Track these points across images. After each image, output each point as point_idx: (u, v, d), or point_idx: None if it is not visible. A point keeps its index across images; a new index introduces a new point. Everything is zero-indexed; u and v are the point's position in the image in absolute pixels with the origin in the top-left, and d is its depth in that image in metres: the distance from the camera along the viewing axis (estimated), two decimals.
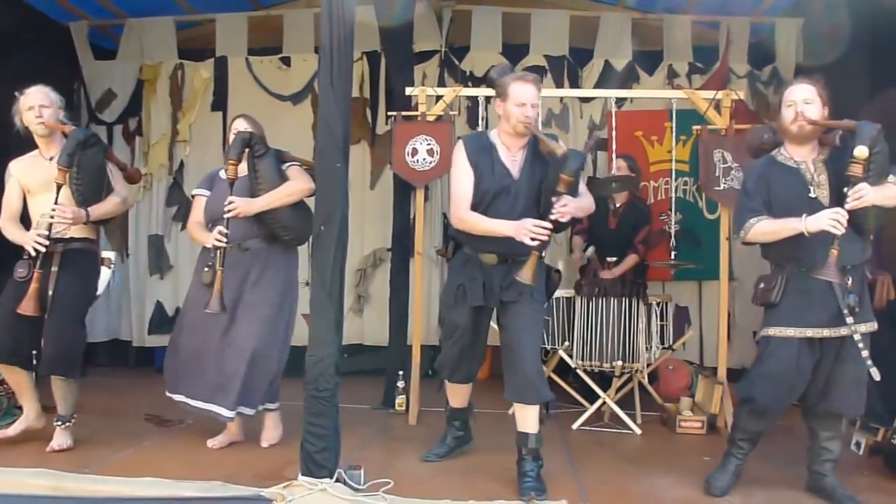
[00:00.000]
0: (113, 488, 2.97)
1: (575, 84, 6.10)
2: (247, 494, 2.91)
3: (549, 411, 3.38)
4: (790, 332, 3.12)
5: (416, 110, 4.74)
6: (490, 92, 5.16)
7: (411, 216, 5.15)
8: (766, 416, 3.23)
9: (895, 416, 3.79)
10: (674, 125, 4.87)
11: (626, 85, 5.94)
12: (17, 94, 3.73)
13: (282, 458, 3.60)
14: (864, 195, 2.92)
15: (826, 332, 3.09)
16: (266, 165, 3.68)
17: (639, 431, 4.46)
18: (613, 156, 5.03)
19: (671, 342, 4.75)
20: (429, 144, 4.61)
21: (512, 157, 3.36)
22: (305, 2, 6.30)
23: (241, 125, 3.80)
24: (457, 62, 6.20)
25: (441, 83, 5.97)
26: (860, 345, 3.02)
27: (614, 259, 4.98)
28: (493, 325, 3.57)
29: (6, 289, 3.66)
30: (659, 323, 4.64)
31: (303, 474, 2.91)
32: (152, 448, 3.82)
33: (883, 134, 2.97)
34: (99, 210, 3.73)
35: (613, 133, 5.06)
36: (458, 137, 3.70)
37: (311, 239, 3.50)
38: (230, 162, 3.59)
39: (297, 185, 3.71)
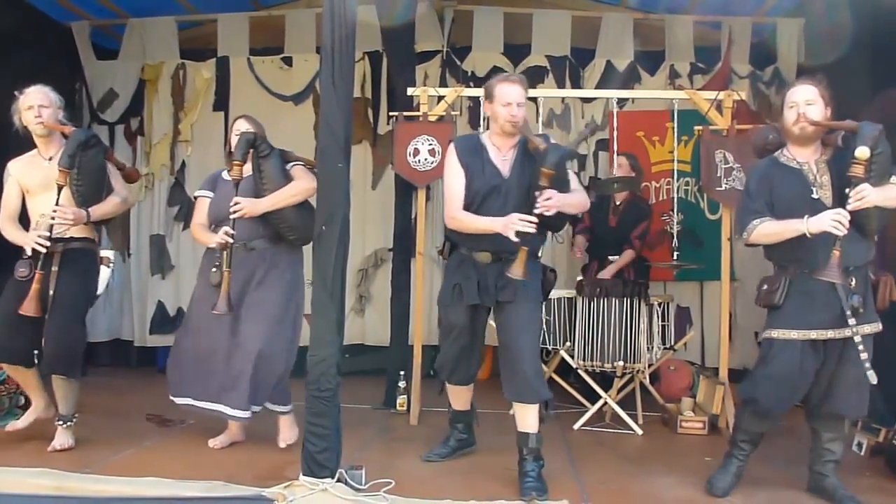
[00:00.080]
0: (115, 488, 2.97)
1: (576, 84, 6.10)
2: (248, 494, 2.91)
3: (548, 410, 3.38)
4: (794, 334, 3.12)
5: (418, 110, 4.75)
6: None
7: (413, 216, 5.15)
8: (768, 417, 3.23)
9: None
10: (675, 125, 4.88)
11: (627, 85, 5.93)
12: (16, 93, 3.73)
13: (283, 458, 3.62)
14: (865, 196, 2.92)
15: (830, 334, 3.08)
16: (271, 166, 3.68)
17: (640, 432, 4.46)
18: (615, 156, 5.02)
19: (672, 342, 4.74)
20: (430, 145, 4.61)
21: (502, 157, 3.40)
22: (307, 2, 6.29)
23: (242, 126, 3.80)
24: (458, 62, 6.20)
25: (443, 83, 5.96)
26: (860, 347, 3.01)
27: (615, 257, 4.99)
28: (492, 323, 3.57)
29: (6, 289, 3.67)
30: (660, 323, 4.63)
31: (304, 474, 2.91)
32: (153, 448, 3.83)
33: (885, 134, 2.97)
34: (99, 210, 3.73)
35: (615, 133, 5.06)
36: (450, 140, 3.72)
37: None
38: (235, 163, 3.60)
39: (301, 185, 3.70)
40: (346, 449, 3.05)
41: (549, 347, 4.68)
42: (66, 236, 3.68)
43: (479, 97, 4.78)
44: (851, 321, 3.03)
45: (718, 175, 4.50)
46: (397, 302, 5.12)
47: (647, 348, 4.51)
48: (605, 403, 4.61)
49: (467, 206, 3.36)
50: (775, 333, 3.17)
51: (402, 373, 4.81)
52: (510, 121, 3.33)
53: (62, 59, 6.10)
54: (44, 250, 3.56)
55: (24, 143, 3.79)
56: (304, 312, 3.88)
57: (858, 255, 3.12)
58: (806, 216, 3.03)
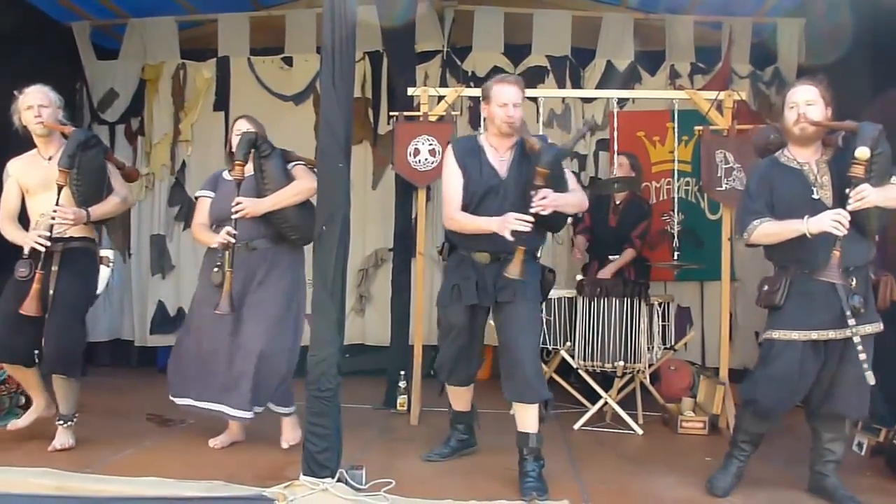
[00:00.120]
0: (116, 488, 2.97)
1: (577, 84, 6.10)
2: (249, 494, 2.91)
3: (548, 410, 3.39)
4: (795, 335, 3.12)
5: (418, 110, 4.75)
6: None
7: (413, 216, 5.15)
8: (768, 417, 3.24)
9: None
10: (676, 126, 4.88)
11: (628, 85, 5.93)
12: (15, 93, 3.73)
13: (283, 457, 3.62)
14: (865, 196, 2.92)
15: (831, 334, 3.08)
16: (272, 165, 3.68)
17: (640, 432, 4.46)
18: (615, 156, 5.02)
19: (673, 342, 4.74)
20: (431, 145, 4.61)
21: (500, 158, 3.43)
22: (307, 2, 6.29)
23: (243, 126, 3.79)
24: (459, 62, 6.20)
25: (443, 83, 5.96)
26: (859, 347, 3.02)
27: (616, 257, 4.99)
28: (493, 323, 3.57)
29: (6, 289, 3.67)
30: (661, 323, 4.63)
31: (304, 474, 2.91)
32: (154, 448, 3.83)
33: (885, 135, 2.97)
34: (99, 210, 3.74)
35: (615, 133, 5.06)
36: (449, 141, 3.76)
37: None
38: (237, 163, 3.59)
39: (303, 185, 3.70)
40: (346, 449, 3.05)
41: (550, 347, 4.68)
42: (66, 236, 3.68)
43: (479, 97, 4.79)
44: (851, 321, 3.02)
45: (719, 175, 4.50)
46: (398, 302, 5.12)
47: (648, 348, 4.51)
48: (606, 403, 4.61)
49: (465, 207, 3.38)
50: (776, 334, 3.17)
51: (402, 373, 4.81)
52: (506, 121, 3.35)
53: (63, 58, 6.11)
54: (43, 249, 3.56)
55: (23, 142, 3.79)
56: (305, 312, 3.89)
57: (859, 256, 3.12)
58: (806, 216, 3.03)
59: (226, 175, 3.89)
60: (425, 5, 5.77)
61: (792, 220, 3.08)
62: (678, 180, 5.12)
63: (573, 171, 6.03)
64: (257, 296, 3.68)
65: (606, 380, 4.76)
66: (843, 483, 3.20)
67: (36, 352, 3.64)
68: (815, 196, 3.13)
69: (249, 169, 3.69)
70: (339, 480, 2.91)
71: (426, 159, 4.60)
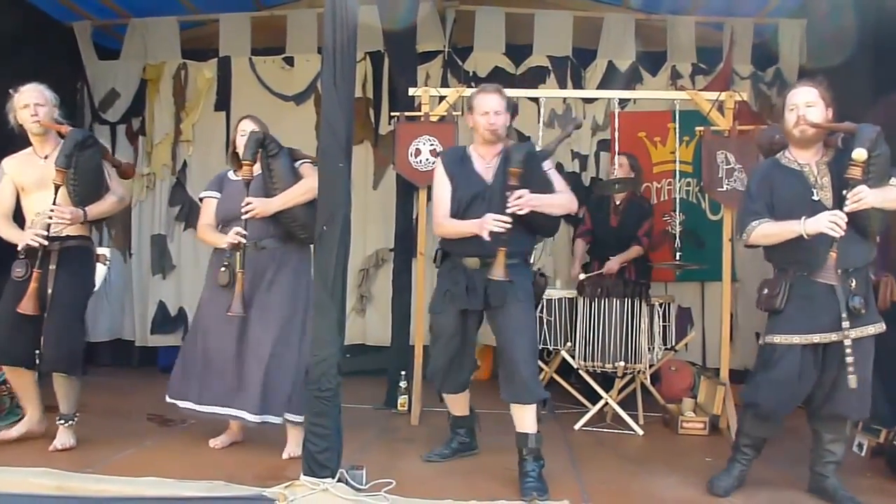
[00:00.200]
0: (117, 488, 2.97)
1: (578, 85, 6.10)
2: (249, 494, 2.91)
3: (545, 410, 3.40)
4: (796, 339, 3.12)
5: (420, 111, 4.75)
6: None
7: (414, 216, 5.15)
8: (770, 420, 3.24)
9: None
10: (677, 126, 4.88)
11: (629, 86, 5.93)
12: (11, 91, 3.72)
13: (284, 458, 3.61)
14: (862, 198, 2.92)
15: (833, 337, 3.08)
16: (280, 165, 3.66)
17: (641, 432, 4.46)
18: (616, 157, 5.02)
19: (673, 343, 4.74)
20: (432, 145, 4.62)
21: (486, 165, 3.50)
22: (308, 2, 6.29)
23: (248, 126, 3.77)
24: (460, 62, 6.19)
25: (444, 83, 5.96)
26: (847, 350, 3.02)
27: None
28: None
29: (5, 291, 3.67)
30: (661, 324, 4.64)
31: (305, 474, 2.91)
32: (154, 448, 3.83)
33: (883, 136, 2.97)
34: (96, 209, 3.73)
35: (616, 134, 5.06)
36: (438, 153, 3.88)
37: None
38: (245, 162, 3.57)
39: (311, 183, 3.65)
40: (346, 449, 3.04)
41: (550, 348, 4.69)
42: (63, 235, 3.67)
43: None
44: (845, 324, 3.03)
45: (720, 176, 4.50)
46: (398, 302, 5.12)
47: (648, 349, 4.51)
48: (606, 404, 4.61)
49: (454, 214, 3.46)
50: (777, 339, 3.17)
51: (403, 373, 4.81)
52: (488, 129, 3.44)
53: (64, 58, 6.11)
54: (38, 246, 3.55)
55: (18, 140, 3.79)
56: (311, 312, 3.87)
57: (859, 257, 3.12)
58: (803, 218, 3.03)
59: (231, 175, 3.88)
60: (427, 6, 5.77)
61: (790, 221, 3.09)
62: (679, 181, 5.13)
63: (574, 172, 6.08)
64: (267, 297, 3.65)
65: (607, 380, 4.76)
66: (843, 484, 3.21)
67: (37, 352, 3.63)
68: (815, 197, 3.12)
69: (257, 168, 3.67)
70: (339, 480, 2.90)
71: (427, 159, 4.60)
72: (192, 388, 3.71)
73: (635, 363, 4.48)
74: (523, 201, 3.20)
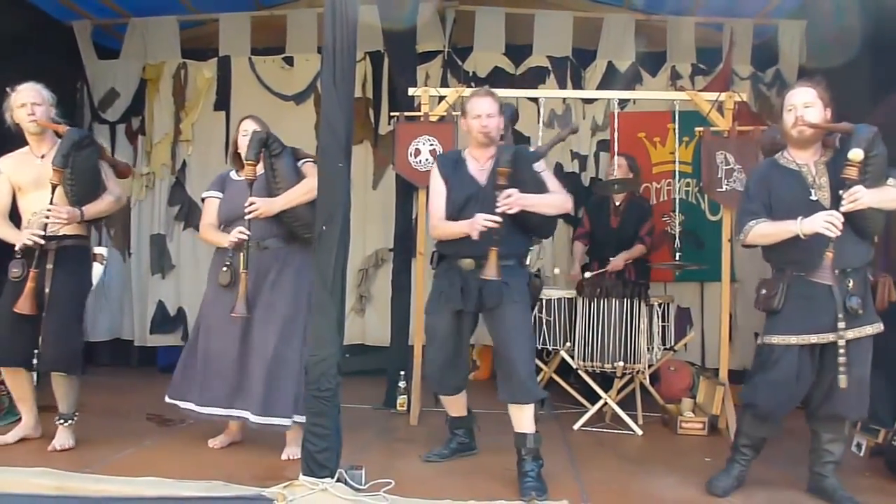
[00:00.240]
0: (115, 488, 2.97)
1: (578, 85, 6.11)
2: (248, 494, 2.91)
3: (543, 410, 3.42)
4: (793, 339, 3.13)
5: (419, 111, 4.75)
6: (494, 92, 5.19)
7: (413, 216, 5.15)
8: (768, 420, 3.25)
9: None
10: (676, 126, 4.88)
11: (629, 86, 5.93)
12: (8, 90, 3.72)
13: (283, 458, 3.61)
14: (858, 198, 2.93)
15: (831, 337, 3.08)
16: (283, 164, 3.65)
17: (640, 432, 4.46)
18: (615, 157, 5.02)
19: (673, 343, 4.75)
20: (431, 145, 4.61)
21: (480, 168, 3.54)
22: (308, 1, 6.29)
23: (250, 126, 3.76)
24: (460, 63, 6.20)
25: (444, 84, 5.96)
26: (841, 351, 3.03)
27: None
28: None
29: (4, 292, 3.66)
30: (660, 324, 4.64)
31: (304, 474, 2.91)
32: (153, 447, 3.83)
33: (881, 137, 2.97)
34: (93, 209, 3.73)
35: (616, 134, 5.06)
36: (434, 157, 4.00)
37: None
38: (248, 162, 3.55)
39: (314, 182, 3.64)
40: (346, 449, 3.04)
41: (550, 348, 4.69)
42: (60, 234, 3.66)
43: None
44: (840, 325, 3.04)
45: (719, 176, 4.50)
46: (398, 302, 5.12)
47: (648, 349, 4.51)
48: (606, 404, 4.62)
49: (450, 216, 3.50)
50: (775, 339, 3.18)
51: (402, 373, 4.81)
52: (481, 131, 3.48)
53: (64, 58, 6.11)
54: (32, 243, 3.55)
55: (14, 139, 3.79)
56: None
57: (856, 257, 3.12)
58: (800, 218, 3.04)
59: (233, 175, 3.87)
60: (427, 6, 5.77)
61: (786, 221, 3.09)
62: (679, 181, 5.13)
63: (573, 172, 6.08)
64: (270, 297, 3.64)
65: (606, 380, 4.76)
66: (842, 484, 3.21)
67: (35, 352, 3.63)
68: (813, 197, 3.13)
69: (260, 168, 3.65)
70: (338, 480, 2.90)
71: (427, 160, 4.60)
72: (193, 389, 3.70)
73: (634, 363, 4.48)
74: (512, 200, 3.24)
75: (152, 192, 6.38)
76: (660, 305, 4.64)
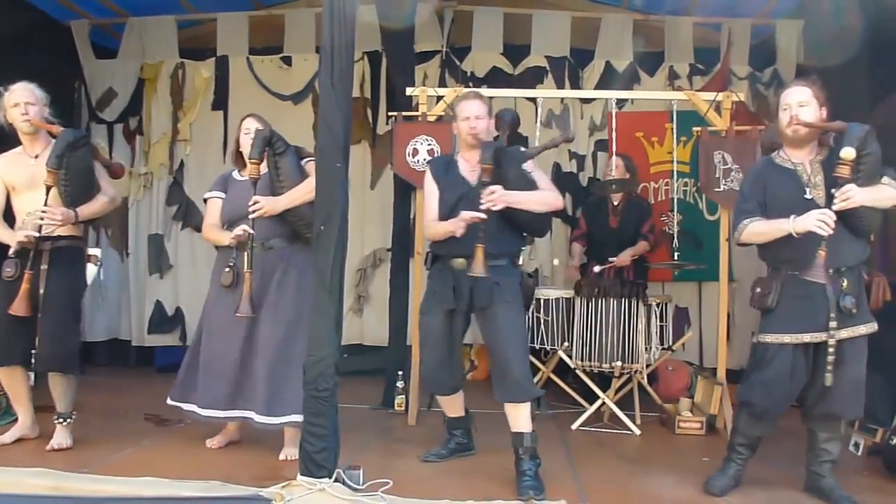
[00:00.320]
0: (112, 488, 2.97)
1: (576, 85, 6.11)
2: (246, 494, 2.91)
3: (539, 409, 3.43)
4: (787, 338, 3.14)
5: (417, 110, 4.74)
6: (492, 92, 5.17)
7: (411, 216, 5.15)
8: (763, 419, 3.25)
9: (894, 418, 3.79)
10: (674, 126, 4.88)
11: (627, 86, 5.93)
12: (1, 89, 3.71)
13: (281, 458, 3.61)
14: (850, 196, 2.93)
15: (824, 336, 3.09)
16: (287, 163, 3.63)
17: (638, 432, 4.46)
18: (612, 158, 5.03)
19: (671, 343, 4.75)
20: (429, 145, 4.61)
21: (471, 169, 3.59)
22: (307, 1, 6.29)
23: (252, 124, 3.75)
24: (458, 62, 6.20)
25: (442, 83, 5.97)
26: (830, 350, 3.04)
27: (599, 271, 4.98)
28: None
29: None
30: (658, 324, 4.64)
31: (302, 474, 2.91)
32: (151, 448, 3.83)
33: (874, 135, 2.97)
34: (87, 210, 3.72)
35: (614, 134, 5.06)
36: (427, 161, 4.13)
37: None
38: (252, 161, 3.53)
39: None
40: (343, 449, 3.04)
41: (548, 348, 4.69)
42: (54, 235, 3.66)
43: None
44: (832, 324, 3.05)
45: (717, 176, 4.50)
46: (396, 302, 5.12)
47: (646, 348, 4.51)
48: (604, 404, 4.62)
49: (443, 217, 3.54)
50: (769, 338, 3.19)
51: (400, 373, 4.81)
52: (470, 133, 3.53)
53: (61, 57, 6.10)
54: (27, 241, 3.54)
55: (7, 139, 3.78)
56: None
57: (850, 256, 3.13)
58: (792, 216, 3.05)
59: (236, 175, 3.86)
60: (426, 6, 5.76)
61: (780, 219, 3.10)
62: (676, 181, 5.13)
63: (571, 172, 6.09)
64: (275, 297, 3.63)
65: (604, 380, 4.76)
66: (839, 483, 3.21)
67: (32, 352, 3.62)
68: (808, 196, 3.14)
69: (264, 167, 3.63)
70: (336, 480, 2.90)
71: (425, 159, 4.59)
72: (196, 392, 3.69)
73: (632, 363, 4.49)
74: (496, 197, 3.27)
75: (150, 192, 6.38)
76: (658, 305, 4.65)
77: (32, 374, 3.80)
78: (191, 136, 6.35)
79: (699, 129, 4.62)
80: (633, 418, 4.58)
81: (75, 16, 6.14)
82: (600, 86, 5.97)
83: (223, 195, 3.83)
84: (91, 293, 4.96)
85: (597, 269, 4.92)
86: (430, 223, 3.60)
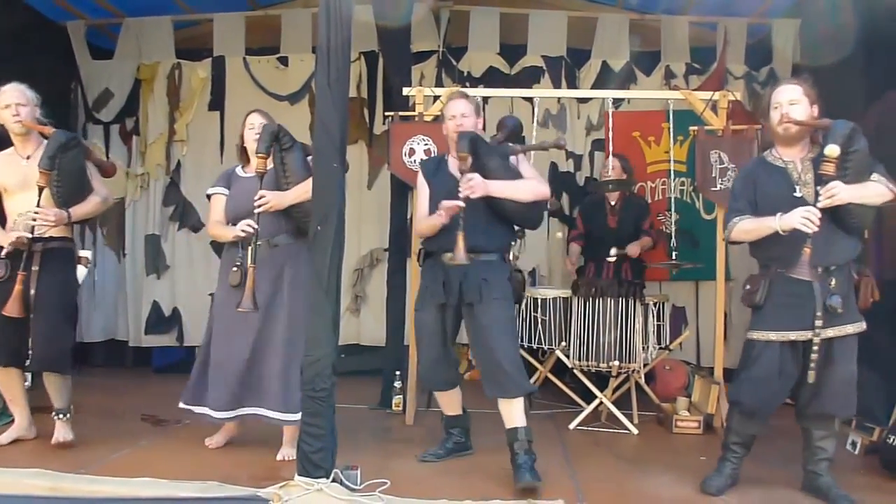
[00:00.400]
0: (110, 489, 2.97)
1: (572, 84, 6.11)
2: (243, 495, 2.91)
3: (532, 405, 3.44)
4: (772, 335, 3.15)
5: (414, 110, 4.74)
6: (489, 92, 5.21)
7: (408, 216, 5.15)
8: (754, 417, 3.26)
9: (891, 416, 3.80)
10: (671, 126, 4.88)
11: (623, 85, 5.94)
12: None
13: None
14: (835, 193, 2.94)
15: (810, 335, 3.10)
16: (293, 158, 3.62)
17: (635, 431, 4.46)
18: (609, 158, 5.03)
19: (668, 342, 4.76)
20: (426, 145, 4.61)
21: (459, 167, 3.59)
22: (303, 1, 6.30)
23: (257, 120, 3.74)
24: (454, 62, 6.20)
25: (439, 83, 5.96)
26: (815, 348, 3.06)
27: (614, 259, 4.98)
28: None
29: None
30: (656, 323, 4.65)
31: (299, 474, 2.91)
32: (149, 448, 3.82)
33: (860, 132, 2.98)
34: (80, 211, 3.73)
35: (610, 134, 5.06)
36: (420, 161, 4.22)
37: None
38: (259, 156, 3.50)
39: None
40: (341, 449, 3.04)
41: (545, 347, 4.70)
42: (46, 236, 3.66)
43: (475, 97, 4.80)
44: (818, 322, 3.06)
45: (713, 175, 4.50)
46: (393, 302, 5.12)
47: (643, 348, 4.52)
48: (601, 403, 4.62)
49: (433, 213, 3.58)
50: (755, 335, 3.21)
51: (397, 373, 4.81)
52: (456, 131, 3.55)
53: (58, 58, 6.09)
54: (22, 245, 3.54)
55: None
56: None
57: (840, 255, 3.13)
58: (779, 214, 3.06)
59: (239, 171, 3.85)
60: (422, 6, 5.76)
61: (767, 217, 3.11)
62: (673, 180, 5.13)
63: (569, 171, 6.09)
64: (283, 294, 3.62)
65: (601, 379, 4.76)
66: (837, 482, 3.21)
67: (28, 351, 3.63)
68: (798, 194, 3.15)
69: (270, 162, 3.61)
70: (333, 481, 2.91)
71: (421, 159, 4.59)
72: (208, 394, 3.67)
73: (630, 362, 4.49)
74: (473, 183, 3.31)
75: (147, 193, 6.37)
76: (655, 304, 4.65)
77: (29, 376, 3.80)
78: (187, 136, 6.33)
79: (696, 128, 4.63)
80: (630, 418, 4.58)
81: (71, 16, 6.13)
82: (597, 85, 5.97)
83: (227, 191, 3.82)
84: (86, 294, 4.94)
85: (613, 251, 4.91)
86: (419, 220, 3.69)
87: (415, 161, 4.59)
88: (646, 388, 4.95)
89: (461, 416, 3.87)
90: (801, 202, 3.09)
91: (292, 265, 3.66)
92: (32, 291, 3.58)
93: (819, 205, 2.96)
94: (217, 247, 5.77)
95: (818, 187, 3.01)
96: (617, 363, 4.47)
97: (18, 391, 3.77)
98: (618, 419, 4.53)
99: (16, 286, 3.51)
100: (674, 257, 4.88)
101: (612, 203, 5.21)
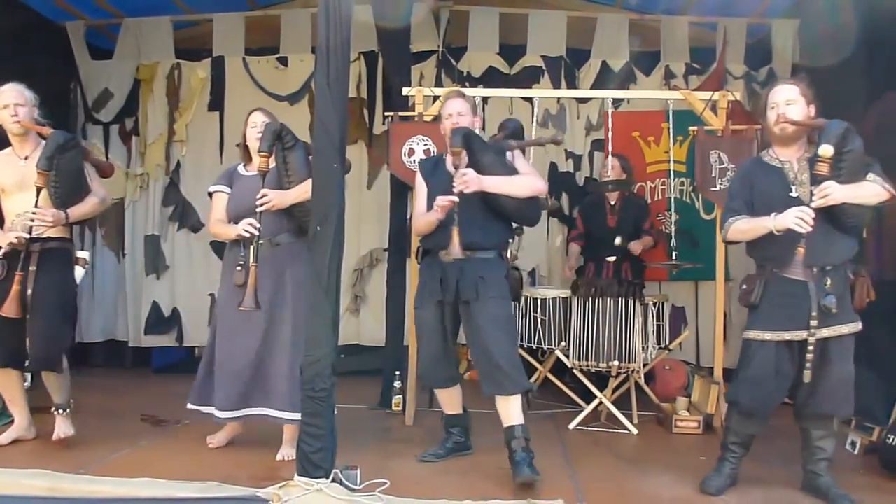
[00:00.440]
0: (109, 489, 2.97)
1: (572, 85, 6.11)
2: (243, 495, 2.91)
3: (530, 404, 3.44)
4: (767, 335, 3.16)
5: (413, 110, 4.74)
6: (488, 92, 5.21)
7: (408, 216, 5.13)
8: (753, 417, 3.26)
9: (890, 416, 3.80)
10: (671, 126, 4.88)
11: (623, 86, 5.94)
12: None
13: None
14: (828, 193, 2.95)
15: (805, 335, 3.10)
16: (296, 157, 3.61)
17: (635, 431, 4.46)
18: (608, 159, 5.04)
19: (667, 342, 4.75)
20: (426, 145, 4.61)
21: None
22: (303, 2, 6.29)
23: (260, 118, 3.74)
24: (454, 62, 6.20)
25: (438, 83, 5.96)
26: (810, 348, 3.06)
27: (614, 259, 4.98)
28: None
29: None
30: (655, 323, 4.65)
31: (299, 474, 2.91)
32: (149, 448, 3.83)
33: (854, 132, 2.98)
34: (78, 211, 3.73)
35: (610, 134, 5.06)
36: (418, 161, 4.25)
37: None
38: (262, 154, 3.50)
39: None
40: (341, 449, 3.05)
41: (545, 347, 4.70)
42: (44, 236, 3.66)
43: (474, 97, 4.80)
44: (813, 322, 3.06)
45: (713, 175, 4.51)
46: (392, 302, 5.12)
47: (642, 348, 4.52)
48: (601, 403, 4.62)
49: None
50: (751, 335, 3.22)
51: (397, 373, 4.81)
52: (452, 129, 3.55)
53: (57, 58, 6.09)
54: (18, 242, 3.55)
55: None
56: None
57: (836, 255, 3.13)
58: (773, 213, 3.06)
59: (241, 170, 3.85)
60: (422, 6, 5.76)
61: (762, 217, 3.12)
62: (673, 180, 5.13)
63: (568, 171, 6.08)
64: (287, 293, 3.62)
65: (601, 379, 4.76)
66: (836, 481, 3.21)
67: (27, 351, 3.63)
68: (794, 194, 3.15)
69: (272, 161, 3.60)
70: (333, 481, 2.91)
71: (421, 159, 4.59)
72: (214, 394, 3.67)
73: (629, 362, 4.49)
74: (467, 178, 3.33)
75: (146, 193, 6.36)
76: (654, 304, 4.65)
77: (29, 376, 3.80)
78: (187, 136, 6.33)
79: (695, 128, 4.63)
80: (630, 418, 4.58)
81: (71, 17, 6.13)
82: (596, 85, 5.97)
83: (228, 189, 3.82)
84: (84, 294, 4.93)
85: (618, 239, 4.92)
86: (417, 217, 3.73)
87: (414, 161, 4.59)
88: (645, 388, 4.95)
89: (461, 416, 3.87)
90: (797, 202, 3.09)
91: (291, 265, 3.65)
92: (30, 292, 3.58)
93: (813, 205, 2.97)
94: (217, 247, 5.79)
95: (812, 187, 3.00)
96: (616, 363, 4.47)
97: (17, 392, 3.77)
98: (617, 419, 4.53)
99: (13, 286, 3.52)
100: (673, 257, 4.88)
101: (612, 203, 5.21)
